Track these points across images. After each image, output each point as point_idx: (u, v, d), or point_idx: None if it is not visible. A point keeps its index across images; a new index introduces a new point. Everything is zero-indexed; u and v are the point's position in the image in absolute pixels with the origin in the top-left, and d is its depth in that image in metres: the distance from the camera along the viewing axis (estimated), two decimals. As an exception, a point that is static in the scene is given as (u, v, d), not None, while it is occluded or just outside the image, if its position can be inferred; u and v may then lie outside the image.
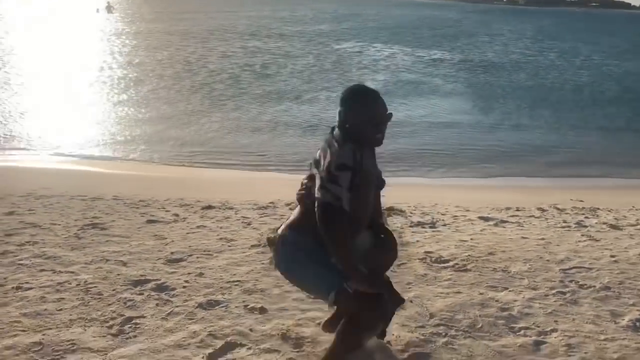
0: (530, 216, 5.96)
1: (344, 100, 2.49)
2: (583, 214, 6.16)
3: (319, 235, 2.38)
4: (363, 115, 2.43)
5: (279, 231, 2.63)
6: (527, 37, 48.51)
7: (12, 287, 3.63)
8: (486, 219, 5.70)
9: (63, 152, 9.33)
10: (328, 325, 3.09)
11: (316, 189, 2.39)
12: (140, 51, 25.53)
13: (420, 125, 13.28)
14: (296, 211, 2.63)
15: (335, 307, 2.64)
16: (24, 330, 3.12)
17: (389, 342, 3.13)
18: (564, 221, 5.77)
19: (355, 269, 2.40)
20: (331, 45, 32.17)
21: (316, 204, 2.36)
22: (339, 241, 2.36)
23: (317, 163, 2.47)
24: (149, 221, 5.14)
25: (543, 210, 6.23)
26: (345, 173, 2.34)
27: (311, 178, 2.51)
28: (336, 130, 2.49)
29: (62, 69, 19.59)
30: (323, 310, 3.45)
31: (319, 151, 2.51)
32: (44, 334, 3.08)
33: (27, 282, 3.71)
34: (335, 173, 2.33)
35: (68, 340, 3.02)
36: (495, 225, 5.53)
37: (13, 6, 60.06)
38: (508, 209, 6.18)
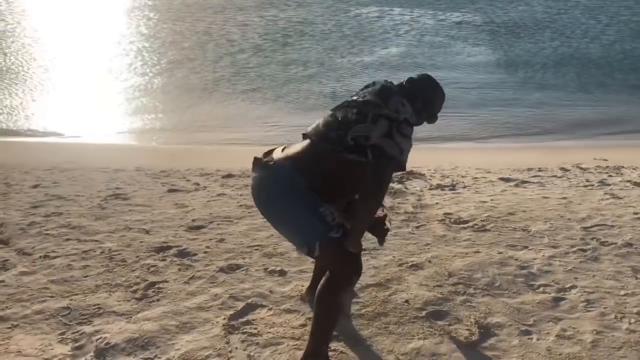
0: (553, 176, 5.89)
1: (426, 87, 2.61)
2: (607, 172, 6.06)
3: (313, 180, 2.35)
4: (436, 106, 2.64)
5: (275, 157, 2.48)
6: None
7: (40, 256, 3.74)
8: (507, 180, 5.66)
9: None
10: (308, 294, 3.09)
11: (378, 138, 2.31)
12: (160, 23, 25.47)
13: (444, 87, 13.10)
14: (299, 146, 2.49)
15: (309, 256, 2.46)
16: (52, 296, 3.23)
17: (406, 301, 3.17)
18: (587, 180, 5.69)
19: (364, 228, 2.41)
20: (351, 11, 31.71)
21: (380, 155, 2.28)
22: (382, 196, 2.32)
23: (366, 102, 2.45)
24: (170, 190, 5.22)
25: (565, 170, 6.14)
26: (409, 126, 2.40)
27: (327, 123, 2.45)
28: (396, 90, 2.53)
29: (79, 45, 19.66)
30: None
31: (355, 97, 2.51)
32: (71, 299, 3.18)
33: (53, 251, 3.82)
34: (405, 125, 2.37)
35: (94, 305, 3.12)
36: (516, 185, 5.48)
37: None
38: (530, 169, 6.11)
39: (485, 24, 26.43)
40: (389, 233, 2.72)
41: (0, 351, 2.69)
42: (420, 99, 2.55)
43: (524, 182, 5.61)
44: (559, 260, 3.69)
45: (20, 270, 3.55)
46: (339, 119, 2.42)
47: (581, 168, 6.22)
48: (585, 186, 5.47)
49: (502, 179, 5.71)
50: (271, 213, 2.46)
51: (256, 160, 2.51)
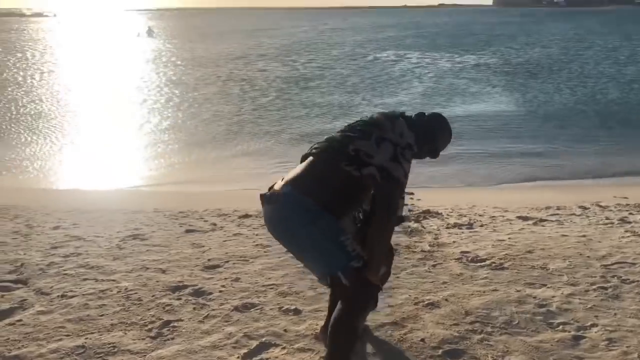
0: (571, 214, 5.82)
1: (434, 125, 2.74)
2: (627, 210, 5.98)
3: (321, 196, 2.40)
4: (439, 142, 2.75)
5: (277, 187, 2.52)
6: (568, 37, 47.48)
7: (57, 296, 3.78)
8: (525, 219, 5.60)
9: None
10: (322, 332, 3.05)
11: (385, 161, 2.40)
12: (182, 69, 26.14)
13: (461, 128, 13.15)
14: (298, 168, 2.55)
15: (329, 286, 2.57)
16: (67, 335, 3.24)
17: (422, 339, 3.12)
18: (607, 218, 5.61)
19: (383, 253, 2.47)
20: (369, 55, 32.30)
21: (389, 177, 2.38)
22: (394, 218, 2.42)
23: (369, 125, 2.54)
24: (188, 231, 5.26)
25: (585, 208, 6.07)
26: (410, 151, 2.49)
27: (330, 139, 2.57)
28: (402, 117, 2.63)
29: (103, 92, 20.21)
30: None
31: (362, 119, 2.62)
32: (86, 338, 3.19)
33: (71, 291, 3.85)
34: (408, 150, 2.46)
35: (109, 344, 3.12)
36: (534, 224, 5.42)
37: (57, 34, 62.55)
38: (548, 208, 6.05)
39: (502, 66, 26.66)
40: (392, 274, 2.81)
41: (14, 390, 2.69)
42: (425, 130, 2.65)
43: (542, 220, 5.55)
44: (579, 298, 3.63)
45: (37, 309, 3.58)
46: (343, 132, 2.55)
47: (601, 206, 6.14)
48: (605, 224, 5.39)
49: (520, 217, 5.66)
50: (292, 243, 2.51)
51: (261, 197, 2.55)
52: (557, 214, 5.80)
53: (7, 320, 3.44)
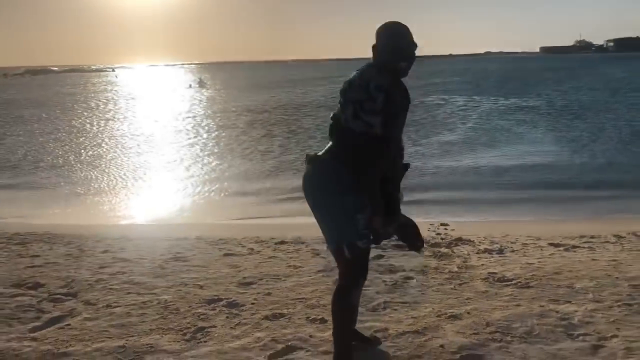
0: (605, 242, 5.80)
1: (377, 33, 2.77)
2: (665, 239, 5.92)
3: (352, 165, 2.64)
4: (390, 45, 2.71)
5: (320, 154, 2.83)
6: (614, 80, 46.78)
7: (103, 306, 4.07)
8: (557, 245, 5.62)
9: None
10: None
11: (348, 118, 2.68)
12: (233, 115, 27.09)
13: (503, 168, 13.18)
14: (330, 144, 2.84)
15: (334, 253, 2.84)
16: (110, 337, 3.51)
17: (442, 345, 3.24)
18: (642, 245, 5.58)
19: (379, 199, 2.68)
20: (417, 100, 32.80)
21: (350, 134, 2.67)
22: (372, 167, 2.63)
23: (344, 92, 2.77)
24: (226, 254, 5.52)
25: (620, 237, 6.03)
26: (381, 94, 2.60)
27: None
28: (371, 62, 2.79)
29: (160, 135, 21.17)
30: (381, 321, 3.61)
31: (345, 83, 2.80)
32: (127, 340, 3.45)
33: (115, 302, 4.14)
34: (373, 94, 2.60)
35: (147, 344, 3.37)
36: (566, 250, 5.44)
37: (116, 87, 65.84)
38: (582, 237, 6.05)
39: (548, 108, 26.50)
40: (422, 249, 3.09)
41: (62, 380, 2.96)
42: (379, 54, 2.75)
43: (574, 247, 5.57)
44: (602, 313, 3.67)
45: (84, 316, 3.87)
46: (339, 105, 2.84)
47: (637, 235, 6.10)
48: (639, 250, 5.37)
49: (552, 244, 5.69)
50: (316, 204, 2.79)
51: (306, 156, 2.88)
52: (591, 242, 5.79)
53: (57, 325, 3.75)
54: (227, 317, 3.78)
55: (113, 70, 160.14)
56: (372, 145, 2.60)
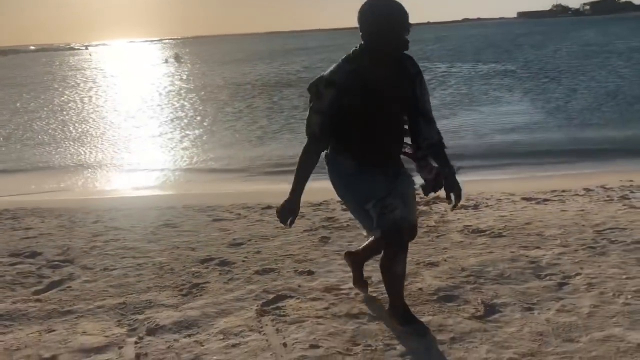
0: (575, 195, 6.12)
1: (360, 12, 2.67)
2: (630, 189, 6.25)
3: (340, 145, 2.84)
4: (380, 23, 2.61)
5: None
6: (590, 43, 47.26)
7: (100, 269, 4.28)
8: (529, 199, 5.93)
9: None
10: (348, 255, 3.57)
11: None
12: (210, 90, 26.99)
13: (485, 129, 13.57)
14: None
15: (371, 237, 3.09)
16: (110, 296, 3.73)
17: (420, 289, 3.51)
18: (608, 196, 5.91)
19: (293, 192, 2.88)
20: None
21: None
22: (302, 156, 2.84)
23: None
24: (215, 219, 5.74)
25: (589, 190, 6.36)
26: (330, 90, 2.68)
27: None
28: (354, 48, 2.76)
29: (139, 109, 21.15)
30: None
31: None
32: (126, 297, 3.67)
33: (112, 265, 4.35)
34: (321, 90, 2.70)
35: (146, 300, 3.60)
36: (537, 203, 5.75)
37: (87, 64, 64.81)
38: (553, 191, 6.36)
39: (523, 71, 26.84)
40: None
41: (69, 332, 3.18)
42: (367, 35, 2.69)
43: (545, 200, 5.88)
44: (568, 256, 3.97)
45: (83, 279, 4.08)
46: None
47: (605, 188, 6.43)
48: (605, 201, 5.69)
49: (524, 198, 5.99)
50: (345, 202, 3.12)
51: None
52: (561, 195, 6.11)
53: (58, 288, 3.95)
54: (220, 274, 4.02)
55: (86, 49, 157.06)
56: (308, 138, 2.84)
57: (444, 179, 2.86)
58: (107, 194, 9.40)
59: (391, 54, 2.72)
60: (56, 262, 4.52)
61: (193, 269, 4.15)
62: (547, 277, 3.61)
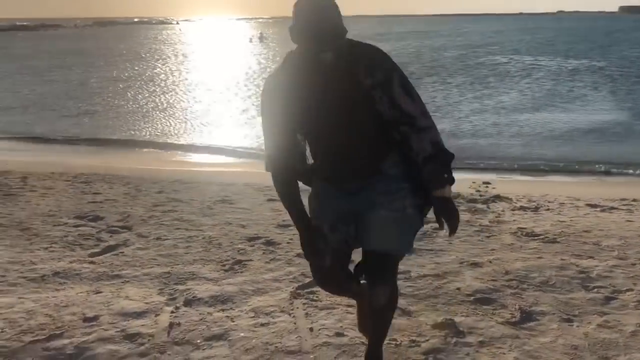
0: (646, 205, 5.79)
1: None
2: None
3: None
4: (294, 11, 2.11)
5: None
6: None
7: (153, 238, 4.48)
8: (594, 206, 5.65)
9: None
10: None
11: None
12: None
13: (560, 130, 13.00)
14: None
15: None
16: (157, 265, 3.90)
17: (458, 288, 3.45)
18: (683, 210, 5.54)
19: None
20: (486, 57, 32.26)
21: None
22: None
23: None
24: (270, 199, 5.85)
25: (663, 201, 5.99)
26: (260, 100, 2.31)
27: None
28: None
29: (222, 85, 21.70)
30: (405, 264, 3.84)
31: None
32: (172, 268, 3.83)
33: (164, 236, 4.55)
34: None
35: (189, 272, 3.75)
36: (602, 211, 5.47)
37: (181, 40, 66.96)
38: (623, 199, 6.03)
39: (614, 70, 25.44)
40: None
41: (113, 296, 3.36)
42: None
43: (612, 208, 5.58)
44: (622, 269, 3.77)
45: (136, 246, 4.30)
46: None
47: (682, 201, 6.02)
48: (679, 214, 5.34)
49: (589, 204, 5.72)
50: None
51: None
52: (630, 205, 5.78)
53: (112, 252, 4.18)
54: (263, 253, 4.11)
55: (177, 23, 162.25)
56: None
57: (433, 200, 2.18)
58: (178, 166, 9.76)
59: (313, 48, 2.06)
60: (115, 228, 4.78)
61: (239, 246, 4.27)
62: (595, 289, 3.45)
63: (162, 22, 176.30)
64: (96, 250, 4.25)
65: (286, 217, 5.08)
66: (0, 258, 4.03)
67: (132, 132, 13.66)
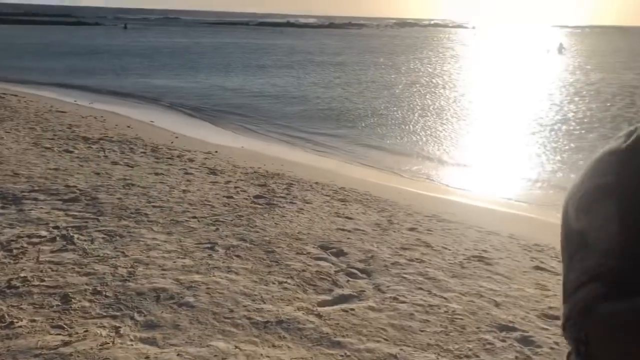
0: None
1: None
2: None
3: None
4: None
5: None
6: None
7: (390, 297, 3.93)
8: None
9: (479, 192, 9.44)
10: None
11: None
12: (588, 88, 24.26)
13: None
14: None
15: None
16: (386, 339, 3.34)
17: None
18: None
19: None
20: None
21: None
22: None
23: None
24: (537, 267, 4.84)
25: None
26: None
27: None
28: None
29: (502, 101, 20.25)
30: None
31: None
32: (401, 349, 3.23)
33: (403, 296, 3.96)
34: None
35: (419, 363, 3.09)
36: None
37: (470, 45, 66.00)
38: None
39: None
40: None
41: (327, 374, 2.89)
42: None
43: None
44: None
45: (370, 304, 3.80)
46: None
47: None
48: None
49: None
50: None
51: None
52: None
53: (343, 306, 3.76)
54: (516, 357, 3.23)
55: (473, 28, 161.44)
56: None
57: None
58: (443, 193, 9.03)
59: None
60: (355, 270, 4.38)
61: (486, 336, 3.46)
62: None
63: (459, 26, 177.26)
64: (328, 298, 3.87)
65: (555, 302, 4.08)
66: (236, 285, 3.92)
67: (409, 145, 12.91)
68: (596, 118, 17.33)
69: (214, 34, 70.90)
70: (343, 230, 5.41)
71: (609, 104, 20.26)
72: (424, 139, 13.78)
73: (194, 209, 5.62)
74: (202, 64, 30.48)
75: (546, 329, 3.62)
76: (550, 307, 3.96)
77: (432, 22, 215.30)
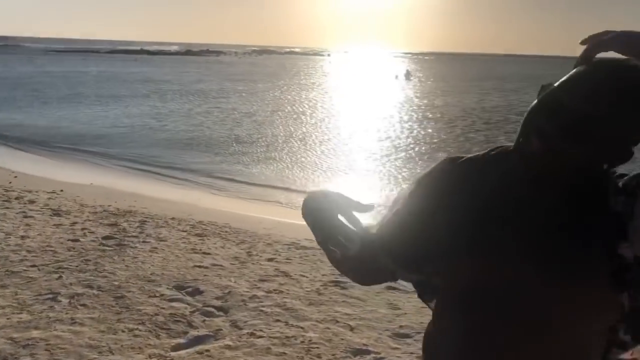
0: None
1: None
2: None
3: None
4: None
5: None
6: None
7: (247, 332, 3.88)
8: None
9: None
10: None
11: None
12: (429, 110, 26.21)
13: None
14: None
15: None
16: (242, 378, 3.27)
17: None
18: None
19: None
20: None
21: None
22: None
23: None
24: (389, 287, 5.05)
25: None
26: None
27: None
28: None
29: (357, 123, 21.23)
30: None
31: None
32: (257, 387, 3.17)
33: (261, 330, 3.93)
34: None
35: (275, 399, 3.06)
36: None
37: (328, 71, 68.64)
38: None
39: None
40: None
41: None
42: None
43: None
44: None
45: (226, 343, 3.72)
46: None
47: None
48: None
49: None
50: None
51: None
52: None
53: (198, 347, 3.64)
54: (369, 382, 3.32)
55: (329, 55, 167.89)
56: None
57: None
58: (302, 219, 9.15)
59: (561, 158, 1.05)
60: (212, 309, 4.27)
61: (341, 364, 3.52)
62: None
63: (316, 54, 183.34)
64: (182, 341, 3.73)
65: (405, 321, 4.27)
66: (81, 338, 3.65)
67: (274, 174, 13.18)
68: (442, 139, 18.84)
69: (61, 62, 66.92)
70: (200, 267, 5.27)
71: (453, 125, 22.12)
72: (287, 165, 14.09)
73: (33, 256, 5.17)
74: (50, 95, 28.57)
75: (397, 348, 3.77)
76: (400, 326, 4.13)
77: (290, 50, 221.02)
